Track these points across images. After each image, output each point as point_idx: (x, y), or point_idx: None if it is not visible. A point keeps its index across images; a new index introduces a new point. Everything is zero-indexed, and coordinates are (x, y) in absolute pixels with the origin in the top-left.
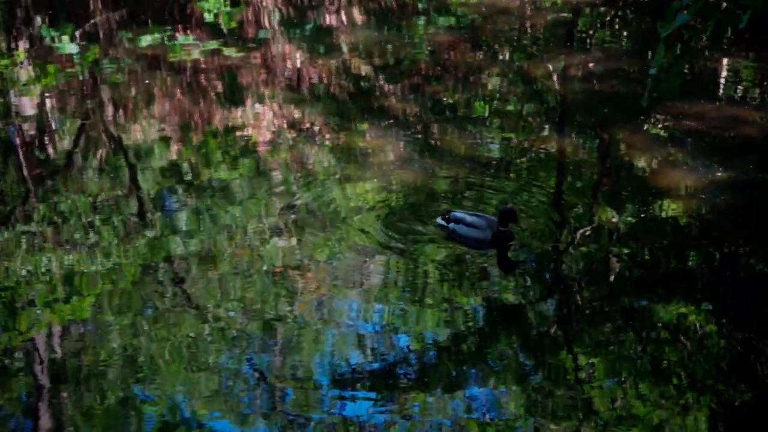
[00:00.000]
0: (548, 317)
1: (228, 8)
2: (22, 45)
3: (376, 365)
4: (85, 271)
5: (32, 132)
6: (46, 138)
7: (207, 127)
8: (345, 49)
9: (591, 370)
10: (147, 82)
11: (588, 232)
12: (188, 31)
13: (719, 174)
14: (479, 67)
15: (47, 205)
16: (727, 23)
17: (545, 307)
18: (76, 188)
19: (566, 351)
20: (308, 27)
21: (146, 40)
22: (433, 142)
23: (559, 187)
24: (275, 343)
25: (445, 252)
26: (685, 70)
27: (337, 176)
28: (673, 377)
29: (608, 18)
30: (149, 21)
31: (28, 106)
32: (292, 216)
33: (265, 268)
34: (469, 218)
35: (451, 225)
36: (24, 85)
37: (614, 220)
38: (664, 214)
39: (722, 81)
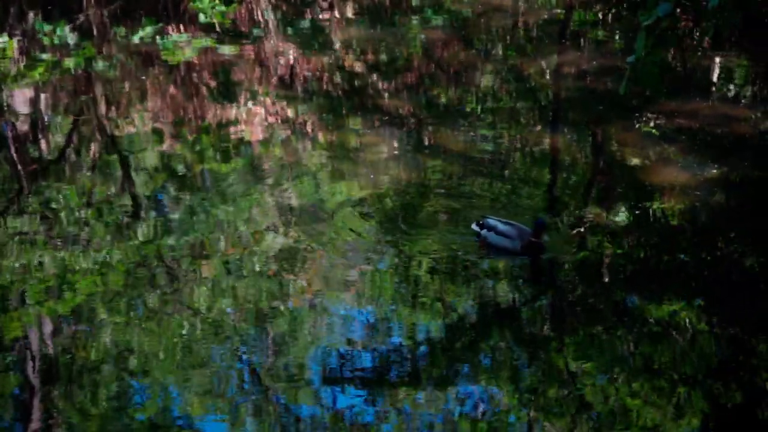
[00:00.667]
0: (541, 314)
1: (222, 7)
2: (16, 40)
3: (368, 361)
4: (78, 267)
5: (25, 127)
6: (39, 133)
7: (200, 123)
8: (338, 46)
9: (583, 367)
10: (140, 78)
11: (581, 230)
12: (181, 28)
13: (712, 171)
14: (472, 64)
15: (40, 200)
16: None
17: (538, 303)
18: (69, 184)
19: (559, 348)
20: (302, 24)
21: (139, 36)
22: (426, 139)
23: (552, 184)
24: (267, 339)
25: (438, 249)
26: (680, 70)
27: (330, 173)
28: (666, 374)
29: (601, 16)
30: (142, 17)
31: (20, 101)
32: (285, 212)
33: (257, 264)
34: (500, 227)
35: (483, 232)
36: (17, 80)
37: (607, 217)
38: (656, 212)
39: (715, 79)
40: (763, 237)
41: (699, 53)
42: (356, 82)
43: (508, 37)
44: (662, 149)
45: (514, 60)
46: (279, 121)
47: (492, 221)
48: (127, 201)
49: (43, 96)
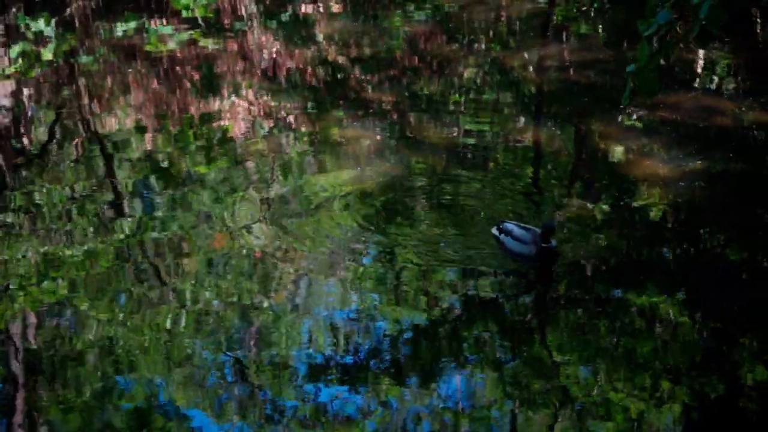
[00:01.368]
0: (524, 306)
1: (204, 0)
2: None
3: (352, 354)
4: (62, 260)
5: (7, 121)
6: (21, 127)
7: (183, 116)
8: (321, 39)
9: (567, 359)
10: (123, 71)
11: (564, 222)
12: (164, 21)
13: (694, 164)
14: (455, 57)
15: (23, 194)
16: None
17: (521, 296)
18: (52, 177)
19: (542, 340)
20: (285, 17)
21: (122, 30)
22: (409, 132)
23: (535, 177)
24: (252, 331)
25: (422, 242)
26: (661, 62)
27: (313, 166)
28: (649, 366)
29: (584, 9)
30: (125, 10)
31: (2, 94)
32: (268, 205)
33: (241, 257)
34: (516, 231)
35: (501, 236)
36: None
37: (590, 209)
38: (639, 204)
39: (698, 72)
40: (745, 229)
41: (682, 46)
42: (339, 75)
43: (491, 31)
44: (645, 142)
45: (497, 53)
46: (262, 115)
47: (509, 225)
48: (110, 194)
49: (25, 89)
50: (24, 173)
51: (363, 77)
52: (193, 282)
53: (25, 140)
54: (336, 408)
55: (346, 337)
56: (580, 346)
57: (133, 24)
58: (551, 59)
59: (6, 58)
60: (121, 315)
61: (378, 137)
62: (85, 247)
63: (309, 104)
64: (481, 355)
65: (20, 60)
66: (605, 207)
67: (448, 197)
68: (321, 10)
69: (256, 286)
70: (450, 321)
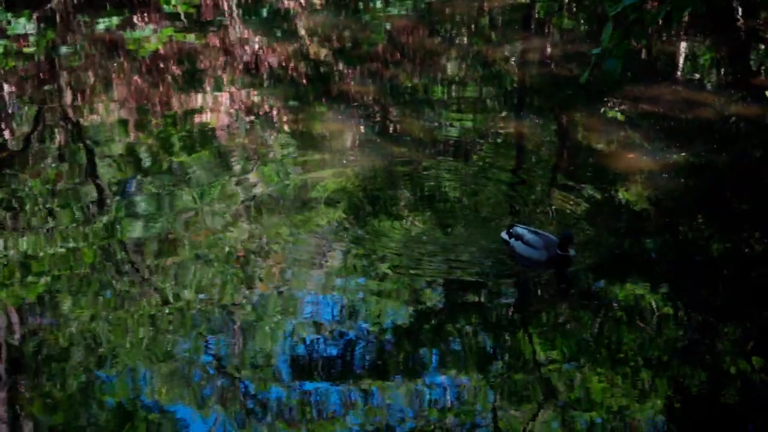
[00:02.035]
0: (507, 301)
1: None
2: None
3: (335, 350)
4: (44, 256)
5: None
6: (3, 122)
7: (165, 111)
8: (303, 33)
9: (550, 354)
10: (105, 66)
11: (546, 215)
12: (146, 16)
13: (675, 156)
14: (438, 51)
15: (4, 189)
16: (681, 7)
17: (504, 291)
18: (34, 173)
19: (525, 335)
20: (266, 11)
21: (104, 25)
22: (391, 125)
23: (517, 169)
24: (235, 327)
25: (405, 236)
26: (644, 56)
27: (296, 160)
28: (631, 359)
29: (566, 2)
30: (107, 6)
31: None
32: (251, 200)
33: (224, 252)
34: (527, 236)
35: (512, 240)
36: None
37: (572, 202)
38: (621, 197)
39: (679, 65)
40: (727, 222)
41: (664, 39)
42: (321, 70)
43: (472, 24)
44: (626, 134)
45: (479, 47)
46: (244, 109)
47: (520, 230)
48: (93, 190)
49: (6, 85)
50: (5, 168)
51: (345, 71)
52: (175, 277)
53: (7, 135)
54: (319, 404)
55: (329, 332)
56: (562, 339)
57: (114, 19)
58: (533, 52)
59: None
60: (104, 311)
61: (360, 131)
62: (68, 243)
63: (291, 98)
64: (465, 350)
65: (1, 55)
66: (587, 199)
67: (431, 190)
68: (302, 3)
69: (239, 281)
70: (433, 316)
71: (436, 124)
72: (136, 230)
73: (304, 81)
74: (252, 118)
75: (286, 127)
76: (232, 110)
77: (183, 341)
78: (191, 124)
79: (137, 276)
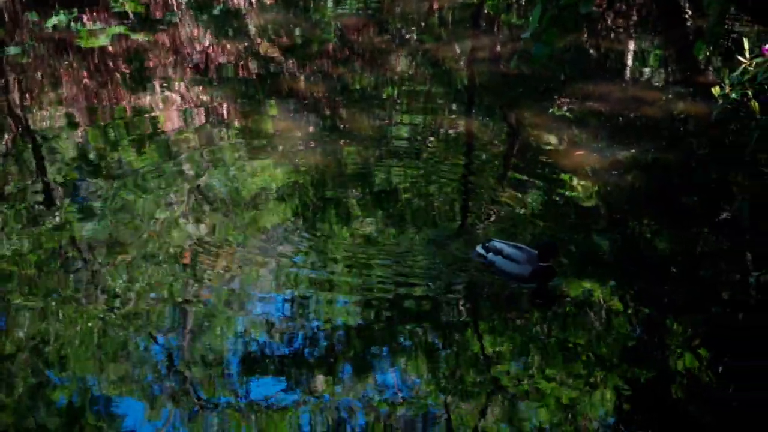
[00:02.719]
0: (456, 298)
1: None
2: None
3: (286, 347)
4: None
5: None
6: None
7: (115, 110)
8: (253, 31)
9: (499, 349)
10: (53, 64)
11: (495, 213)
12: (95, 14)
13: (623, 154)
14: (387, 49)
15: None
16: None
17: (453, 287)
18: None
19: (474, 331)
20: (216, 9)
21: (53, 23)
22: (341, 124)
23: (467, 168)
24: (185, 326)
25: (355, 235)
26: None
27: (246, 159)
28: (580, 355)
29: (515, 0)
30: (55, 3)
31: None
32: (201, 199)
33: (174, 251)
34: (507, 249)
35: (489, 255)
36: None
37: (522, 199)
38: (569, 195)
39: (628, 62)
40: (674, 219)
41: (613, 37)
42: (271, 68)
43: (422, 23)
44: (575, 132)
45: (428, 45)
46: (194, 108)
47: (498, 244)
48: (41, 189)
49: None
50: None
51: (295, 69)
52: (125, 276)
53: None
54: (270, 400)
55: (279, 330)
56: (512, 336)
57: (63, 17)
58: (482, 50)
59: None
60: (53, 311)
61: (310, 129)
62: (16, 243)
63: (241, 97)
64: (415, 347)
65: None
66: (537, 197)
67: (381, 188)
68: (253, 2)
69: (190, 279)
70: (384, 313)
71: (386, 122)
72: (84, 230)
73: (255, 79)
74: (202, 116)
75: (235, 126)
76: (181, 109)
77: (132, 341)
78: (141, 123)
79: (86, 276)
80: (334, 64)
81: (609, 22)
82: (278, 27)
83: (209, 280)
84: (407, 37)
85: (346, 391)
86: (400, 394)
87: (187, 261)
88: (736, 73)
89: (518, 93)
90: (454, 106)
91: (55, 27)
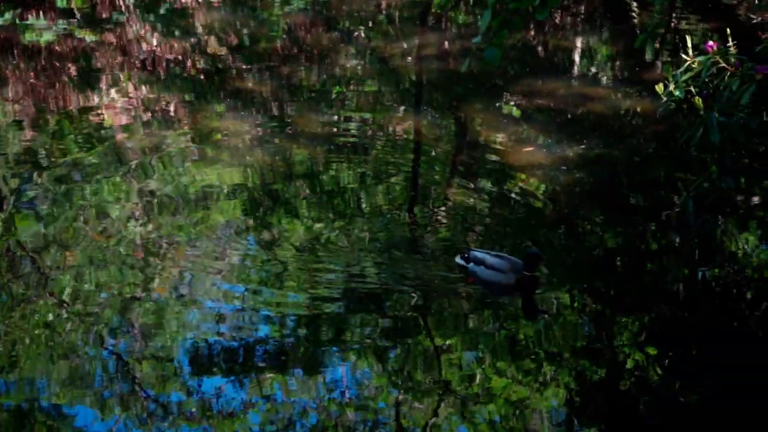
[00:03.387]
0: (406, 297)
1: None
2: None
3: (236, 347)
4: None
5: None
6: None
7: (61, 110)
8: (200, 30)
9: (449, 348)
10: None
11: (444, 210)
12: (40, 13)
13: (571, 151)
14: (335, 47)
15: None
16: None
17: (403, 287)
18: None
19: (425, 328)
20: (163, 8)
21: None
22: (289, 122)
23: (415, 165)
24: (134, 325)
25: (304, 233)
26: (541, 51)
27: (194, 158)
28: (530, 351)
29: None
30: (1, 1)
31: None
32: (150, 198)
33: (122, 251)
34: (490, 259)
35: (471, 266)
36: None
37: (470, 197)
38: (518, 191)
39: (576, 60)
40: (621, 215)
41: (560, 34)
42: (219, 67)
43: (370, 20)
44: (523, 129)
45: (376, 42)
46: (142, 107)
47: (479, 254)
48: None
49: None
50: None
51: (243, 68)
52: (74, 277)
53: None
54: (220, 401)
55: (230, 329)
56: (462, 335)
57: (7, 16)
58: (430, 48)
59: None
60: (1, 311)
61: (259, 128)
62: None
63: (189, 96)
64: (365, 346)
65: None
66: (485, 194)
67: (330, 186)
68: (199, 1)
69: (139, 279)
70: (334, 311)
71: (335, 120)
72: (32, 230)
73: (202, 78)
74: (149, 115)
75: (183, 125)
76: (129, 108)
77: (82, 342)
78: (88, 123)
79: (34, 276)
80: (282, 62)
81: (556, 19)
82: (225, 25)
83: (158, 279)
84: (355, 34)
85: (297, 390)
86: (350, 392)
87: (136, 260)
88: (680, 71)
89: (466, 90)
90: (402, 104)
91: None
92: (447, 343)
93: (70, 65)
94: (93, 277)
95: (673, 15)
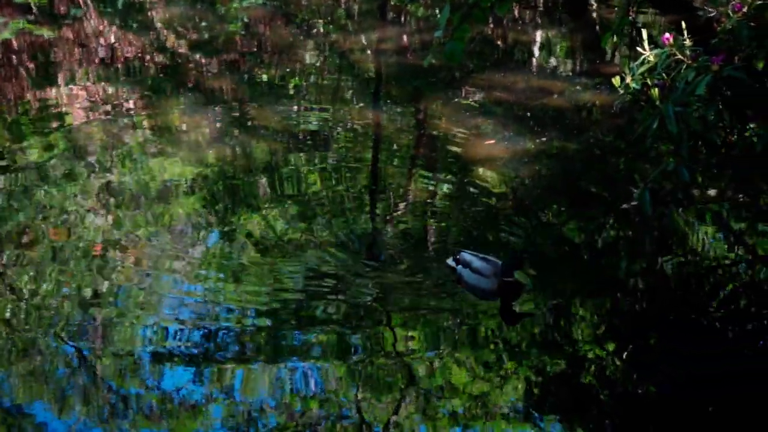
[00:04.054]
0: (367, 290)
1: None
2: None
3: (196, 343)
4: None
5: None
6: None
7: (19, 106)
8: (159, 25)
9: (410, 342)
10: None
11: (404, 204)
12: None
13: (530, 144)
14: (294, 41)
15: None
16: None
17: (364, 280)
18: None
19: (386, 324)
20: (121, 3)
21: None
22: (249, 117)
23: (375, 160)
24: (94, 322)
25: (265, 227)
26: (500, 44)
27: (154, 154)
28: (491, 347)
29: None
30: None
31: None
32: (109, 194)
33: (82, 247)
34: (475, 263)
35: (459, 268)
36: None
37: (429, 191)
38: (477, 185)
39: (535, 53)
40: (579, 208)
41: (519, 27)
42: (178, 62)
43: (329, 14)
44: (481, 123)
45: (335, 36)
46: (101, 103)
47: (468, 256)
48: None
49: None
50: None
51: (202, 63)
52: (31, 274)
53: None
54: (181, 397)
55: (190, 325)
56: (423, 328)
57: None
58: (390, 42)
59: None
60: None
61: (218, 123)
62: None
63: (148, 91)
64: (327, 341)
65: None
66: (445, 187)
67: (290, 181)
68: None
69: (98, 275)
70: (295, 307)
71: (295, 115)
72: None
73: (161, 73)
74: (108, 111)
75: (143, 120)
76: (88, 103)
77: (41, 339)
78: (46, 119)
79: None
80: (241, 56)
81: (515, 12)
82: (184, 20)
83: (119, 275)
84: (314, 29)
85: (258, 386)
86: (312, 388)
87: (96, 256)
88: (636, 63)
89: (426, 83)
90: (361, 98)
91: None
92: (407, 337)
93: (27, 61)
94: (51, 273)
95: (631, 9)
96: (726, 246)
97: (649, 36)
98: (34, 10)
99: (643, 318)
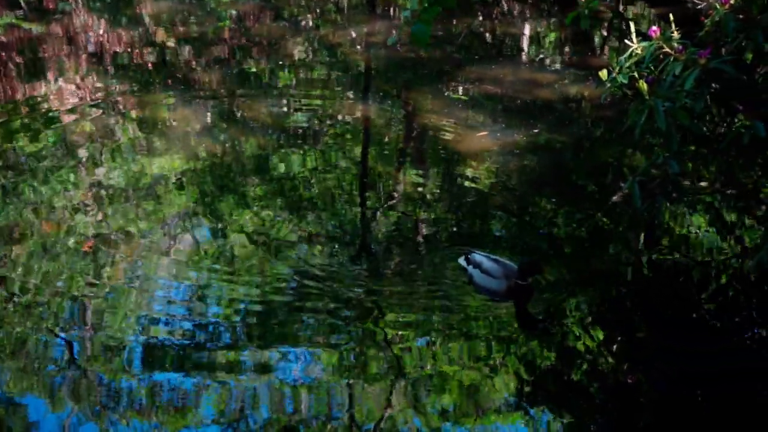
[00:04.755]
0: (358, 281)
1: None
2: None
3: (188, 338)
4: None
5: None
6: None
7: (8, 101)
8: (148, 20)
9: (401, 332)
10: None
11: (394, 197)
12: None
13: (519, 137)
14: (283, 35)
15: None
16: None
17: (355, 272)
18: None
19: (377, 314)
20: None
21: None
22: (238, 111)
23: (364, 153)
24: (86, 316)
25: (255, 221)
26: (489, 37)
27: (144, 148)
28: (481, 337)
29: None
30: None
31: None
32: (100, 189)
33: (73, 243)
34: (486, 264)
35: (470, 268)
36: None
37: (419, 184)
38: (467, 178)
39: (523, 46)
40: (569, 200)
41: (508, 20)
42: (167, 56)
43: (318, 8)
44: (471, 115)
45: (324, 30)
46: (90, 98)
47: (478, 257)
48: None
49: None
50: None
51: (191, 58)
52: (23, 269)
53: None
54: (172, 393)
55: (181, 321)
56: (414, 319)
57: None
58: (379, 35)
59: None
60: None
61: (208, 117)
62: None
63: (137, 86)
64: (317, 330)
65: None
66: (434, 180)
67: (280, 176)
68: None
69: (89, 270)
70: (285, 298)
71: (284, 109)
72: None
73: (150, 68)
74: (98, 106)
75: (132, 115)
76: (77, 99)
77: (33, 334)
78: (36, 114)
79: None
80: (230, 51)
81: (504, 4)
82: (173, 15)
83: (109, 270)
84: (303, 23)
85: (249, 378)
86: (302, 379)
87: (86, 252)
88: (624, 56)
89: (415, 77)
90: (351, 92)
91: None
92: (397, 328)
93: (16, 56)
94: (42, 269)
95: (621, 1)
96: (718, 238)
97: (637, 30)
98: (23, 5)
99: (633, 310)
